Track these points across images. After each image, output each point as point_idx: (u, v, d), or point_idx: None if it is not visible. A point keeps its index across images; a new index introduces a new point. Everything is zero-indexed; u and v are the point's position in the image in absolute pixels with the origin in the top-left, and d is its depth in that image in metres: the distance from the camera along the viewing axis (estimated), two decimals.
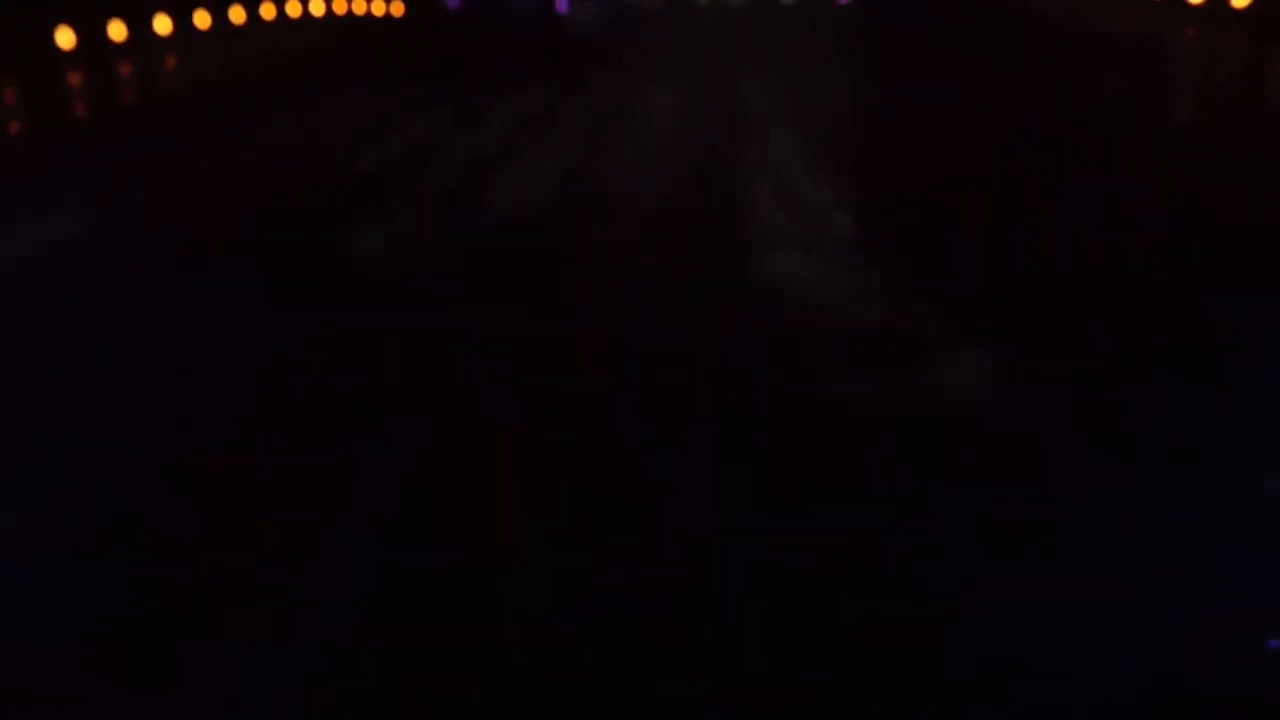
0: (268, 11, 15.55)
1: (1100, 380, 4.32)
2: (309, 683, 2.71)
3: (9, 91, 9.91)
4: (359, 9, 18.28)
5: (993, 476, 3.60)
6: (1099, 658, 2.67)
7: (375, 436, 4.04)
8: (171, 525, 3.47)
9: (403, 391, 4.47)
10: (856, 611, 2.89)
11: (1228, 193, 7.10)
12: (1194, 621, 2.79)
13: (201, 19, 13.75)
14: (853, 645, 2.75)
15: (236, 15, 14.79)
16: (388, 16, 18.92)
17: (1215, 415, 3.97)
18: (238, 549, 3.32)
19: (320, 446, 3.98)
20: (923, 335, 4.81)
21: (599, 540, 3.29)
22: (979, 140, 9.28)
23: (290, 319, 5.33)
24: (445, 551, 3.26)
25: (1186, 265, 5.67)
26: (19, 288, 6.00)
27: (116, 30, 11.71)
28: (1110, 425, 3.93)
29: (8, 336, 5.28)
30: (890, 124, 10.32)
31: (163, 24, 12.78)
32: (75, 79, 10.87)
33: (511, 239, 6.68)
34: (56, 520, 3.51)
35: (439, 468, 3.80)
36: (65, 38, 10.79)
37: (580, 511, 3.46)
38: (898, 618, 2.85)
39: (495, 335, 5.06)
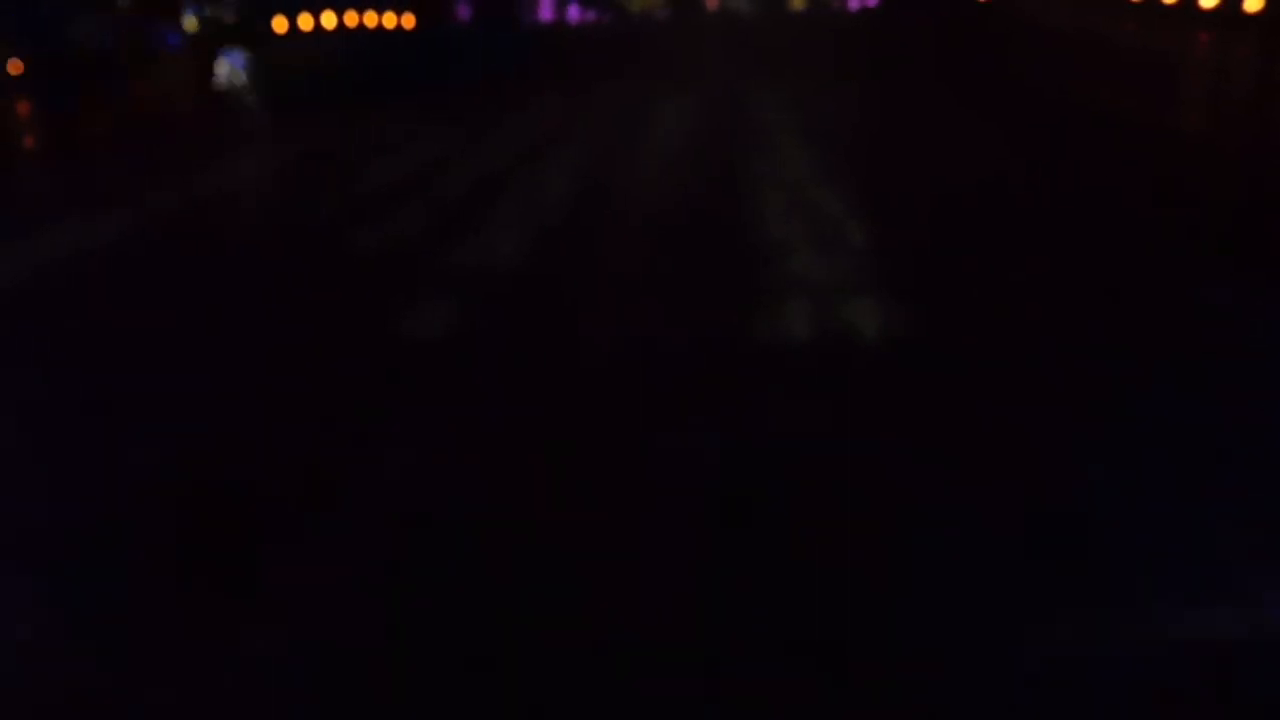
0: (280, 25, 15.65)
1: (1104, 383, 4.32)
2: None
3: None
4: (370, 22, 18.37)
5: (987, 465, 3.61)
6: None
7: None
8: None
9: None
10: None
11: (1239, 197, 7.08)
12: None
13: None
14: None
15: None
16: (399, 28, 19.00)
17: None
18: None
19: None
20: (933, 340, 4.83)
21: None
22: (988, 149, 9.27)
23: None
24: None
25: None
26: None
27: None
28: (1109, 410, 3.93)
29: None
30: (901, 135, 10.33)
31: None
32: None
33: (523, 246, 6.71)
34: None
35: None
36: None
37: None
38: None
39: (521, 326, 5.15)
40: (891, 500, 3.49)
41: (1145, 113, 10.43)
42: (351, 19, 17.91)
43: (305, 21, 14.48)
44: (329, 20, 17.03)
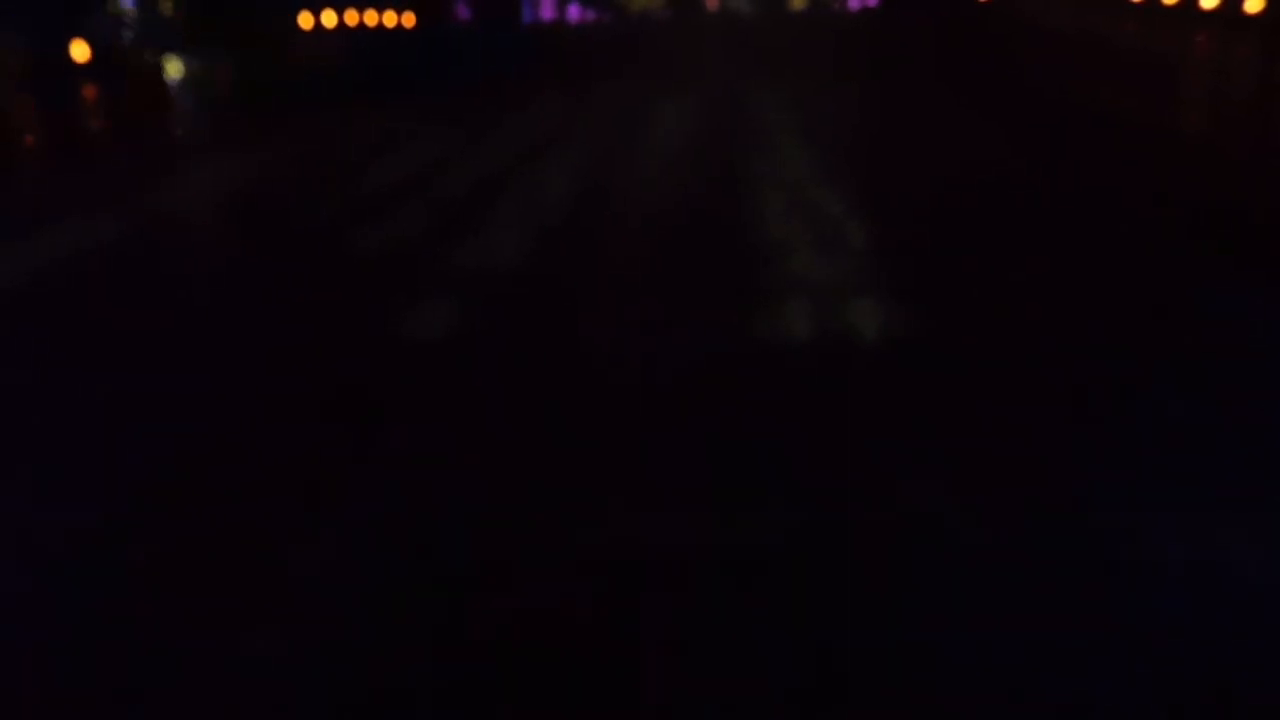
0: (278, 24, 15.62)
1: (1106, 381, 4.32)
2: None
3: None
4: (370, 20, 18.32)
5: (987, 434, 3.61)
6: None
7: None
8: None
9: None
10: None
11: (1242, 198, 7.08)
12: None
13: None
14: None
15: None
16: (399, 28, 18.95)
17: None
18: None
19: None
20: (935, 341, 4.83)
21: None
22: (988, 149, 9.27)
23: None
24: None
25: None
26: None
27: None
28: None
29: None
30: (901, 135, 10.33)
31: None
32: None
33: (524, 247, 6.71)
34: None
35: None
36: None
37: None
38: None
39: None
40: (891, 500, 3.49)
41: (1145, 113, 10.42)
42: (352, 18, 17.85)
43: (305, 20, 14.44)
44: (329, 19, 16.95)
